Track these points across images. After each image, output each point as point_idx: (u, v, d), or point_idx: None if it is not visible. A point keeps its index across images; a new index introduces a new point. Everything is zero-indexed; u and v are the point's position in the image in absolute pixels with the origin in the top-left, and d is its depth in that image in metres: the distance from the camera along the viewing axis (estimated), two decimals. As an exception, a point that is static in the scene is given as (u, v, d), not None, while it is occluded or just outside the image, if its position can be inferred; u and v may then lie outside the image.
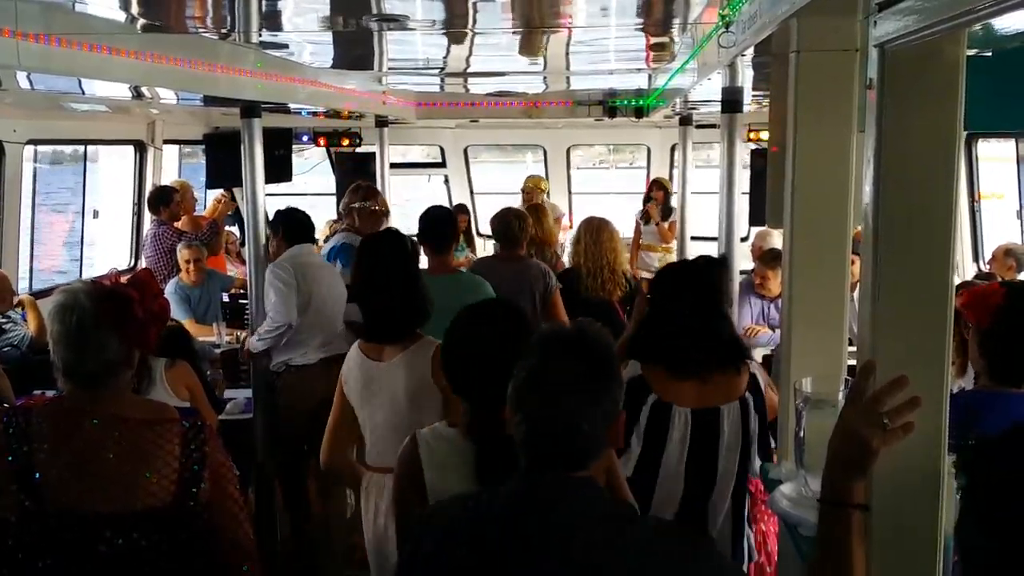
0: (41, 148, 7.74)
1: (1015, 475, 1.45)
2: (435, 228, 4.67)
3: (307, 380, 5.01)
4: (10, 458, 1.98)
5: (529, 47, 5.46)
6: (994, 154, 9.25)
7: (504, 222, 5.32)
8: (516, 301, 4.46)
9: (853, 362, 2.19)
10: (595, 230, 5.41)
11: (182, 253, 6.99)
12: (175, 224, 7.55)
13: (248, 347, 5.27)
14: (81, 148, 8.53)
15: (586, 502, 1.63)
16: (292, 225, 5.37)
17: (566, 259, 7.69)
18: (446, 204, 10.70)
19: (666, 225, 8.84)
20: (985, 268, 7.68)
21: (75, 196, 8.71)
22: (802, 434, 2.17)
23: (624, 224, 9.60)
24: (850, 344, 2.73)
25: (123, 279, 2.36)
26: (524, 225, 5.34)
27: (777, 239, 7.85)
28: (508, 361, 1.78)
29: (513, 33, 4.80)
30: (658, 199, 9.04)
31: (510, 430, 1.73)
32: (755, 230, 7.95)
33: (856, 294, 3.00)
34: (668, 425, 2.78)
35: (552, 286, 5.06)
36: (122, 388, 2.17)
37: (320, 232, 9.49)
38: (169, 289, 6.68)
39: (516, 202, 8.46)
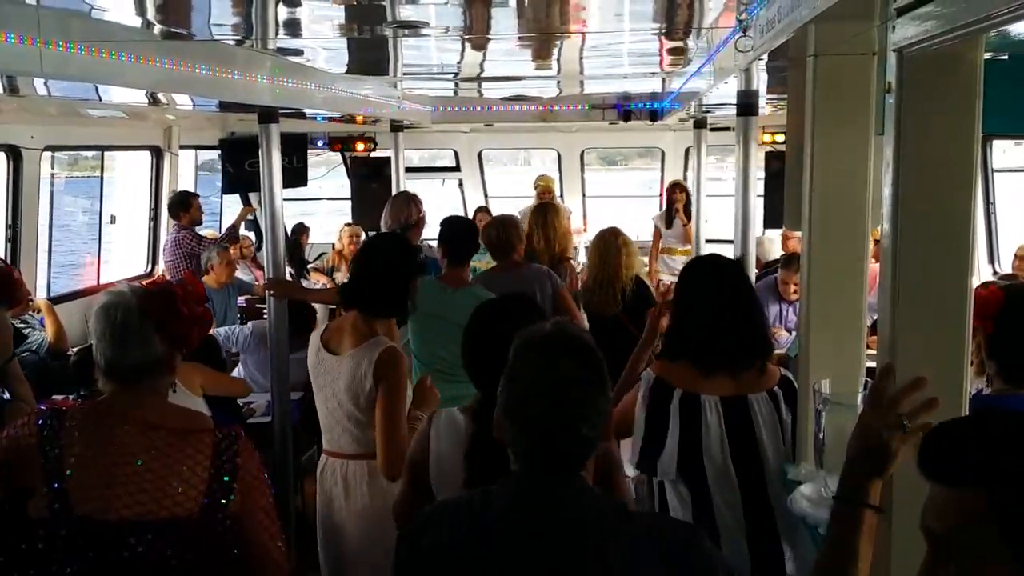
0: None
1: None
2: (454, 240, 4.66)
3: None
4: (42, 460, 1.99)
5: (542, 53, 5.47)
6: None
7: (488, 235, 5.15)
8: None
9: (871, 364, 2.20)
10: (604, 244, 5.38)
11: (222, 255, 7.08)
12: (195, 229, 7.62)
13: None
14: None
15: (584, 503, 1.66)
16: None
17: (582, 257, 7.68)
18: (460, 208, 10.79)
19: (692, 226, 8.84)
20: (1000, 270, 7.65)
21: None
22: (821, 435, 2.18)
23: (641, 228, 9.64)
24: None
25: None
26: (510, 231, 5.10)
27: (777, 248, 7.88)
28: None
29: (528, 39, 4.81)
30: (680, 201, 9.01)
31: (499, 434, 1.72)
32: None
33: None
34: (699, 413, 2.70)
35: (558, 284, 5.05)
36: (161, 392, 2.17)
37: (336, 237, 9.56)
38: None
39: (529, 204, 8.48)
